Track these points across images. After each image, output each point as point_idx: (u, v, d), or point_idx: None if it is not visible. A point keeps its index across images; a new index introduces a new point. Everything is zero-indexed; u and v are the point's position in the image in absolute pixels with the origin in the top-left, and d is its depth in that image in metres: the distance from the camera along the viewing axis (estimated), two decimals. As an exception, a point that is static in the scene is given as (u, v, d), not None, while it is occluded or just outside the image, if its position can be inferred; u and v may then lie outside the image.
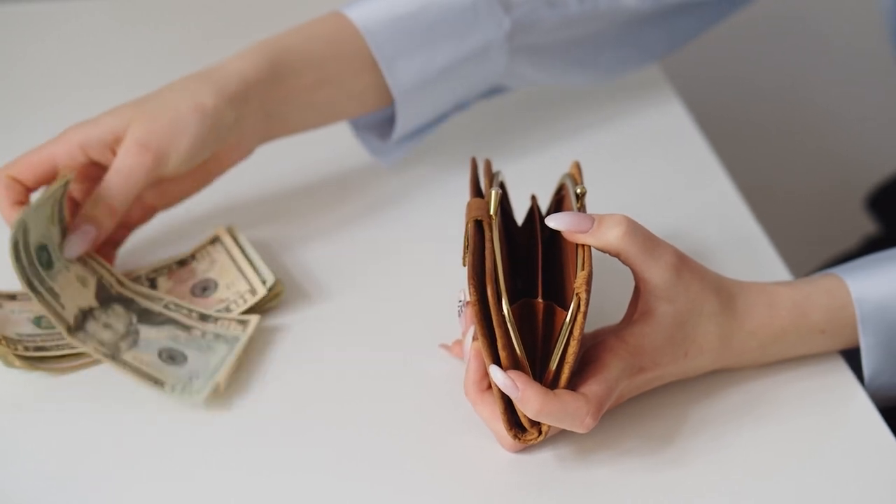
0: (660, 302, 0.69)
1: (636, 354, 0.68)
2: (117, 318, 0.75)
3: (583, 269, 0.65)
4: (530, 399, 0.63)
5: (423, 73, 0.85)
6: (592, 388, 0.65)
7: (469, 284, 0.64)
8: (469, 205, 0.69)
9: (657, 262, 0.68)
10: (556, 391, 0.64)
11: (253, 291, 0.78)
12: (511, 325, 0.63)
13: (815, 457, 0.69)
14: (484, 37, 0.86)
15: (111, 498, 0.66)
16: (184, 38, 1.11)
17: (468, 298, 0.65)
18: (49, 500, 0.66)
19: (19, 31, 1.12)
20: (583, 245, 0.67)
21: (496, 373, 0.63)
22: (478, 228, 0.68)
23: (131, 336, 0.74)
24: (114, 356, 0.72)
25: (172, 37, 1.12)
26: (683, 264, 0.69)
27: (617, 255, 0.68)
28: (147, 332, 0.75)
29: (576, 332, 0.64)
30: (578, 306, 0.64)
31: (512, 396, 0.63)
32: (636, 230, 0.68)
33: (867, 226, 1.44)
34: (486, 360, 0.64)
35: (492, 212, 0.68)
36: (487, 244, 0.66)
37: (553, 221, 0.67)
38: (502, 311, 0.63)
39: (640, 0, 0.92)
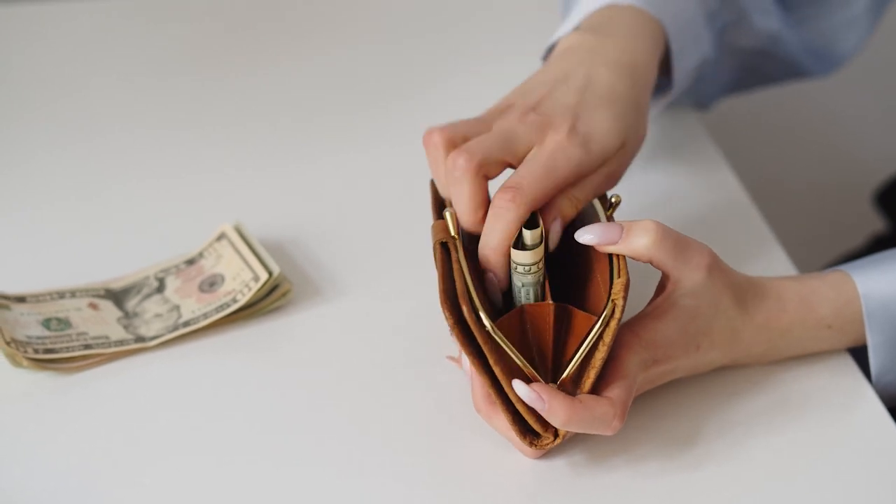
0: (685, 298, 0.69)
1: (649, 348, 0.68)
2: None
3: (619, 277, 0.65)
4: (557, 410, 0.63)
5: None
6: (615, 390, 0.65)
7: (443, 308, 0.63)
8: (432, 228, 0.69)
9: (688, 265, 0.69)
10: (581, 397, 0.64)
11: (256, 278, 0.78)
12: (499, 338, 0.63)
13: (826, 457, 0.69)
14: None
15: (114, 497, 0.67)
16: (184, 39, 1.11)
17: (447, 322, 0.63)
18: (51, 498, 0.66)
19: (19, 32, 1.12)
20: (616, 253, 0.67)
21: (520, 387, 0.63)
22: (445, 250, 0.67)
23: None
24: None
25: (173, 38, 1.11)
26: (715, 265, 0.70)
27: (648, 262, 0.68)
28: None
29: (607, 338, 0.63)
30: (613, 312, 0.64)
31: (538, 409, 0.63)
32: (666, 236, 0.68)
33: (875, 224, 1.44)
34: (480, 379, 0.64)
35: (453, 233, 0.68)
36: (455, 265, 0.66)
37: (582, 236, 0.67)
38: (485, 327, 0.63)
39: None
